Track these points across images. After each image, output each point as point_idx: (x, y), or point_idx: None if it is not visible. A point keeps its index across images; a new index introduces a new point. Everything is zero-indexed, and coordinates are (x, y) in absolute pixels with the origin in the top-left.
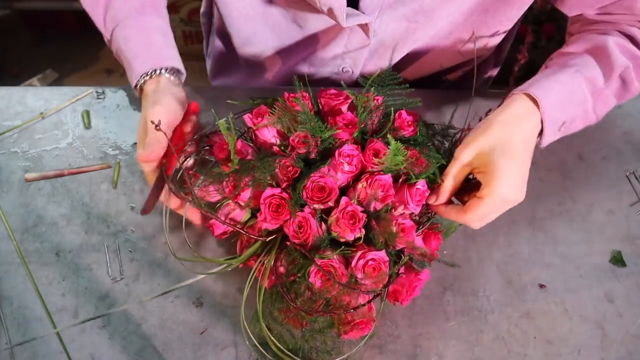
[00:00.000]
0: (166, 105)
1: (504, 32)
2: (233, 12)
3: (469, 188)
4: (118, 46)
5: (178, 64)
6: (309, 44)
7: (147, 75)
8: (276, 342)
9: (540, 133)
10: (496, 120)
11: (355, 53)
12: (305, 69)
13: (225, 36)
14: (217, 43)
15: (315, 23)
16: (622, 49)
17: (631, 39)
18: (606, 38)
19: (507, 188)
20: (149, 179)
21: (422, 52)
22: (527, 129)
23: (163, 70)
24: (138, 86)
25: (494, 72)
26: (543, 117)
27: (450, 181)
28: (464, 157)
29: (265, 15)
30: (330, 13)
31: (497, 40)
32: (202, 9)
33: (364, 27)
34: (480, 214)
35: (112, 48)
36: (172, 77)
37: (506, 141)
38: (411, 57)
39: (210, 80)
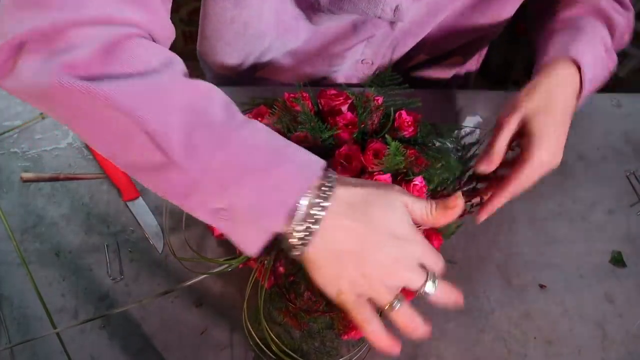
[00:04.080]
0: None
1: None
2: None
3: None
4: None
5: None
6: (327, 42)
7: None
8: (278, 342)
9: (578, 94)
10: (541, 85)
11: (376, 44)
12: (322, 66)
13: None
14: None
15: (336, 20)
16: (612, 6)
17: None
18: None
19: (546, 152)
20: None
21: (436, 35)
22: (569, 93)
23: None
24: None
25: (477, 65)
26: (584, 79)
27: (501, 146)
28: (512, 122)
29: (278, 25)
30: (383, 13)
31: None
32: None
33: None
34: (521, 179)
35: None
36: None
37: (549, 107)
38: (425, 42)
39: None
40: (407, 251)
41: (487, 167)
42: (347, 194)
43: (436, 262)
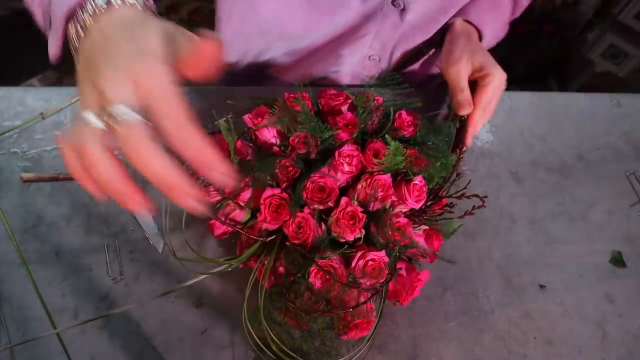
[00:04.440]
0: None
1: None
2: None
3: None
4: None
5: None
6: (337, 35)
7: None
8: (278, 342)
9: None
10: (460, 38)
11: (384, 36)
12: (329, 65)
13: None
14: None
15: (345, 11)
16: None
17: None
18: None
19: (502, 73)
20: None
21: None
22: (478, 41)
23: None
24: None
25: None
26: (482, 43)
27: (467, 87)
28: (462, 68)
29: (282, 32)
30: None
31: None
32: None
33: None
34: (489, 93)
35: None
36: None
37: (477, 49)
38: (432, 40)
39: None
40: (126, 54)
41: (468, 107)
42: (124, 10)
43: (162, 104)
